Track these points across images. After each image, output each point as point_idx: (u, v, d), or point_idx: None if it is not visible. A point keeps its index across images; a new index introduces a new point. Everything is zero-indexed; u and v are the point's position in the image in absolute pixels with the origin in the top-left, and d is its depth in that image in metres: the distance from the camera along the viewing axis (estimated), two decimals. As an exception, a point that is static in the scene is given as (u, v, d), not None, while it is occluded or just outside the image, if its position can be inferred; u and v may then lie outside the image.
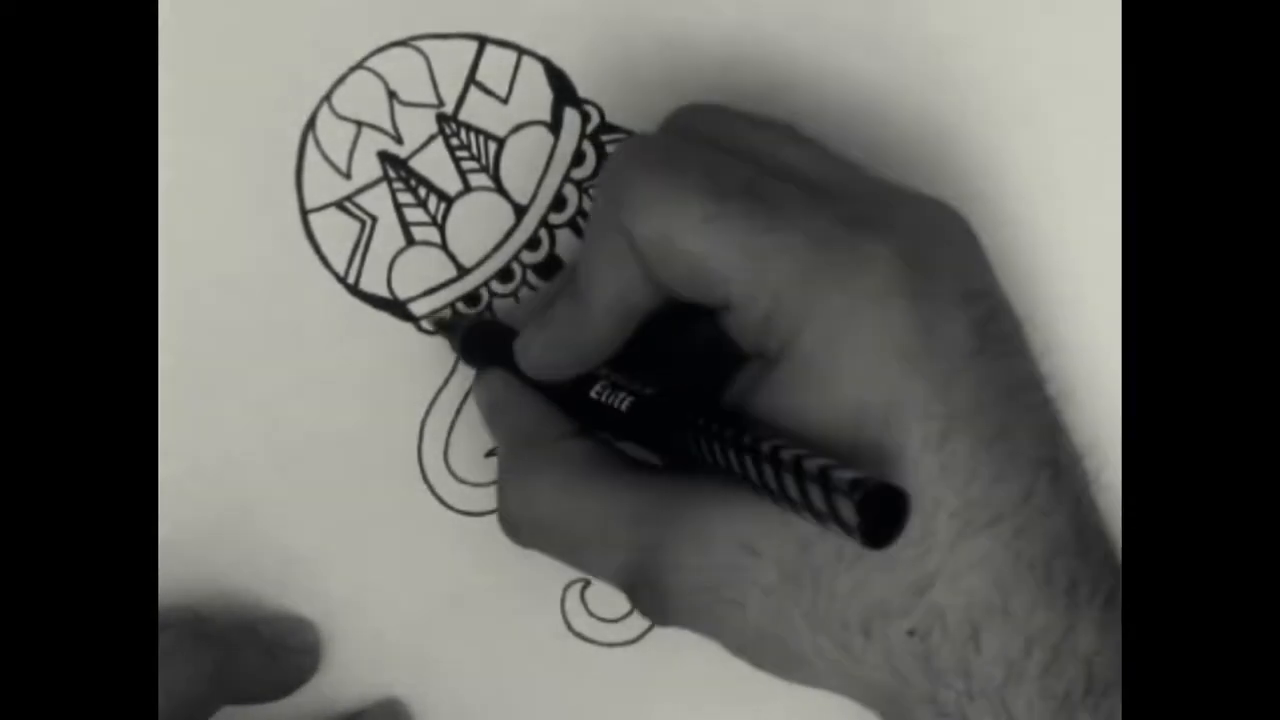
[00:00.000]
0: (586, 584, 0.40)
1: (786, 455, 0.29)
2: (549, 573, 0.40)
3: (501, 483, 0.37)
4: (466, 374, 0.40)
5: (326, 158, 0.39)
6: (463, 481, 0.40)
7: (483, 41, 0.39)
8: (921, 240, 0.33)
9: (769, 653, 0.34)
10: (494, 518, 0.39)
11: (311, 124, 0.39)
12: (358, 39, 0.39)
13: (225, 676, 0.36)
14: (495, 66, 0.39)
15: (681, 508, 0.33)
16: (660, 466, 0.36)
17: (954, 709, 0.33)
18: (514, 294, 0.40)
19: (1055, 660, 0.32)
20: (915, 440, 0.32)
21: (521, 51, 0.39)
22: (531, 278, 0.40)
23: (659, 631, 0.40)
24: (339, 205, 0.39)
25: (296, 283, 0.39)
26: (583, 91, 0.39)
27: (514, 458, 0.37)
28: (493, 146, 0.39)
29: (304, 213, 0.39)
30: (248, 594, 0.39)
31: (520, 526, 0.36)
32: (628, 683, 0.40)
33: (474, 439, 0.40)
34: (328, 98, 0.39)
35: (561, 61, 0.39)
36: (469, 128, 0.39)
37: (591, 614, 0.40)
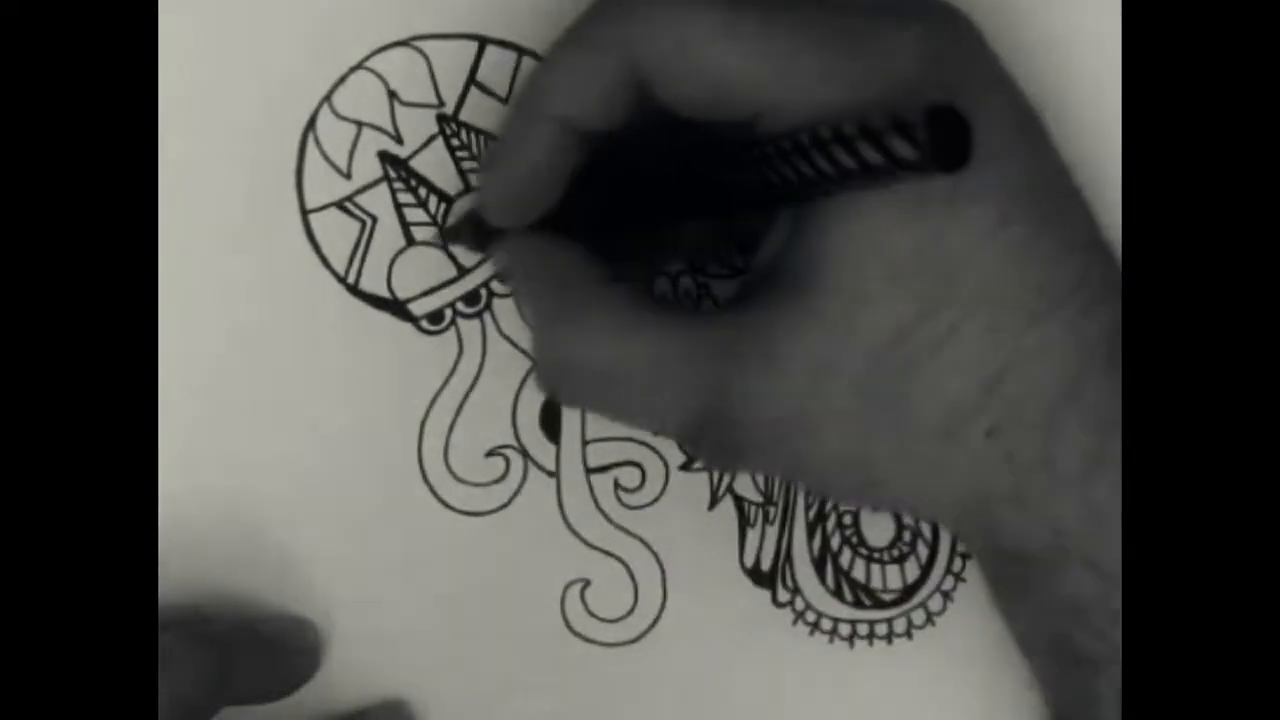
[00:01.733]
0: (586, 584, 0.40)
1: (849, 128, 0.27)
2: (549, 573, 0.40)
3: (540, 338, 0.35)
4: (467, 374, 0.40)
5: (327, 158, 0.39)
6: (463, 481, 0.40)
7: (483, 42, 0.39)
8: (943, 31, 0.32)
9: (850, 477, 0.33)
10: (494, 517, 0.40)
11: (312, 124, 0.39)
12: (358, 39, 0.39)
13: (225, 677, 0.36)
14: (496, 67, 0.39)
15: (746, 337, 0.32)
16: (710, 309, 0.34)
17: (1037, 505, 0.32)
18: (514, 293, 0.40)
19: None
20: (976, 223, 0.31)
21: (522, 52, 0.39)
22: (531, 278, 0.40)
23: (659, 631, 0.40)
24: (339, 205, 0.39)
25: (296, 283, 0.39)
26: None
27: (551, 309, 0.34)
28: (493, 146, 0.39)
29: (304, 213, 0.39)
30: (248, 594, 0.39)
31: (564, 382, 0.34)
32: (628, 683, 0.40)
33: (474, 439, 0.40)
34: (328, 98, 0.39)
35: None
36: (469, 128, 0.39)
37: (591, 614, 0.40)
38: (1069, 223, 0.33)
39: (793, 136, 0.29)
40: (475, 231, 0.38)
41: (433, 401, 0.40)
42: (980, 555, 0.35)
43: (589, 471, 0.40)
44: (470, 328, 0.40)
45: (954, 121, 0.26)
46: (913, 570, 0.40)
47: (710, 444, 0.34)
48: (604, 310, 0.33)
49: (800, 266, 0.32)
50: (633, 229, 0.36)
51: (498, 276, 0.40)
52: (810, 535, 0.40)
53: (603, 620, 0.40)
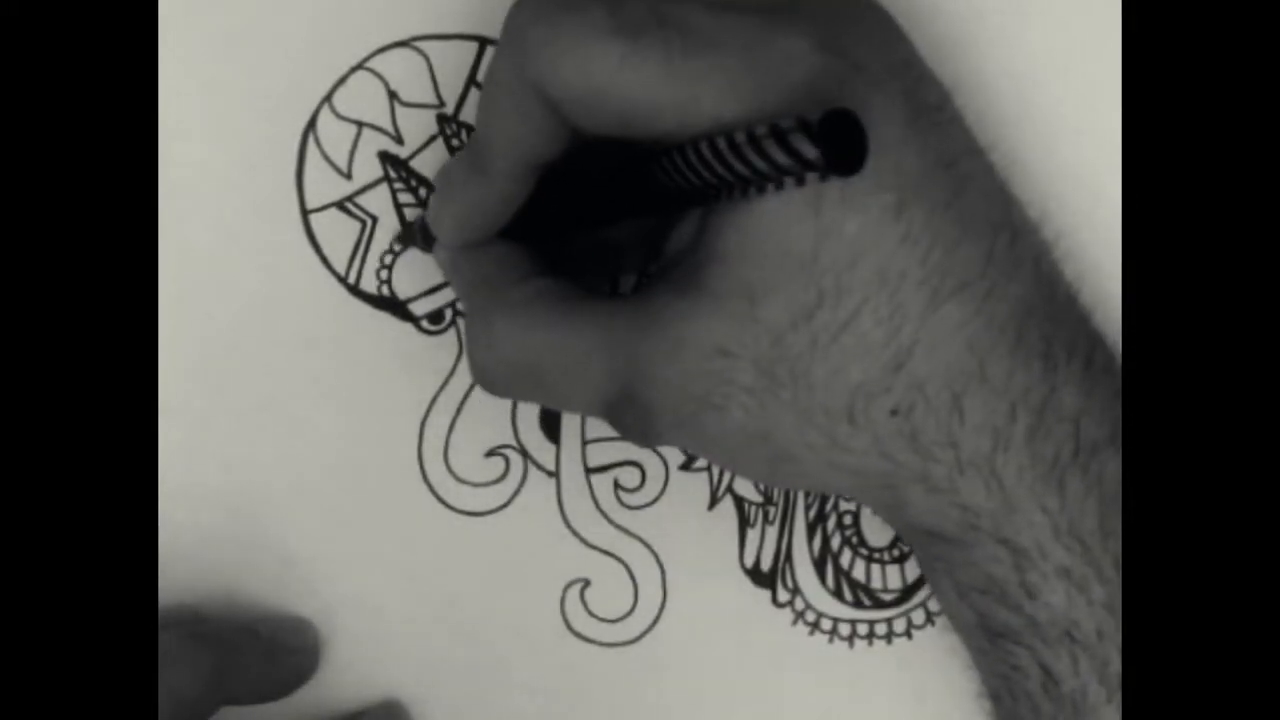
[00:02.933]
0: (586, 584, 0.40)
1: (739, 137, 0.29)
2: (549, 573, 0.40)
3: (468, 334, 0.36)
4: (467, 374, 0.40)
5: (327, 158, 0.39)
6: (463, 481, 0.40)
7: (483, 42, 0.39)
8: (837, 25, 0.32)
9: (756, 455, 0.34)
10: (494, 517, 0.40)
11: (312, 124, 0.39)
12: (358, 39, 0.39)
13: (224, 677, 0.36)
14: (495, 67, 0.39)
15: (651, 324, 0.33)
16: (621, 296, 0.35)
17: (945, 484, 0.33)
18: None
19: (1041, 423, 0.33)
20: (873, 212, 0.32)
21: (522, 52, 0.39)
22: (531, 278, 0.40)
23: (659, 631, 0.40)
24: (339, 205, 0.39)
25: (296, 283, 0.39)
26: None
27: (476, 305, 0.36)
28: (493, 147, 0.39)
29: (304, 213, 0.39)
30: (247, 594, 0.39)
31: (492, 374, 0.36)
32: (628, 683, 0.40)
33: (474, 439, 0.40)
34: (328, 98, 0.39)
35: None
36: (470, 128, 0.39)
37: (591, 614, 0.40)
38: (972, 205, 0.33)
39: (694, 147, 0.30)
40: (424, 236, 0.38)
41: (433, 401, 0.40)
42: (901, 532, 0.36)
43: (589, 471, 0.40)
44: (470, 328, 0.40)
45: (848, 126, 0.27)
46: (913, 570, 0.40)
47: (627, 424, 0.35)
48: (521, 308, 0.35)
49: (702, 260, 0.33)
50: (566, 232, 0.37)
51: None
52: (810, 535, 0.40)
53: (603, 620, 0.40)
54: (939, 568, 0.35)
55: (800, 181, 0.28)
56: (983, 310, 0.32)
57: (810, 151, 0.27)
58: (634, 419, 0.34)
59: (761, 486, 0.40)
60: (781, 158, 0.28)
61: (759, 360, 0.32)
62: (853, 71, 0.32)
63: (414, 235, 0.39)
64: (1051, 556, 0.33)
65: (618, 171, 0.34)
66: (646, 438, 0.35)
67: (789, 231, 0.32)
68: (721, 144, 0.29)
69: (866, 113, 0.28)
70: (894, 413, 0.33)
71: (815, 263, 0.32)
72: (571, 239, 0.37)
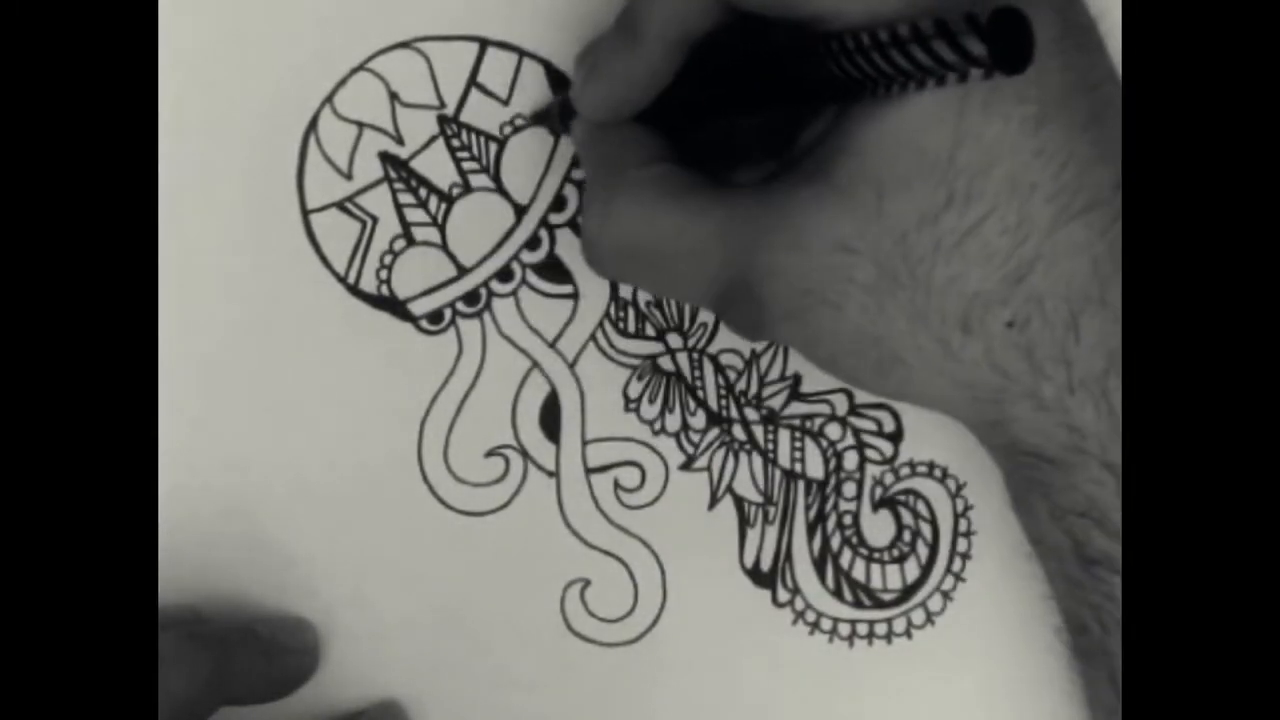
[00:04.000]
0: (586, 584, 0.40)
1: (903, 30, 0.28)
2: (549, 573, 0.40)
3: (586, 212, 0.36)
4: (466, 374, 0.40)
5: (328, 158, 0.39)
6: (463, 481, 0.40)
7: (484, 43, 0.39)
8: None
9: (866, 356, 0.34)
10: (494, 517, 0.40)
11: (313, 125, 0.39)
12: (360, 40, 0.39)
13: (222, 678, 0.36)
14: (496, 68, 0.39)
15: (774, 214, 0.33)
16: (746, 185, 0.35)
17: (1054, 402, 0.33)
18: (514, 293, 0.40)
19: None
20: (1013, 123, 0.31)
21: (522, 53, 0.39)
22: (531, 277, 0.40)
23: (659, 631, 0.40)
24: (340, 206, 0.39)
25: (296, 283, 0.39)
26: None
27: (599, 183, 0.36)
28: (493, 147, 0.40)
29: (305, 213, 0.39)
30: (247, 594, 0.39)
31: (605, 253, 0.35)
32: (628, 683, 0.40)
33: (474, 439, 0.40)
34: (329, 99, 0.39)
35: (562, 63, 0.39)
36: (470, 129, 0.39)
37: (591, 614, 0.40)
38: (1109, 130, 0.33)
39: (854, 36, 0.30)
40: (562, 116, 0.38)
41: (432, 401, 0.40)
42: (997, 453, 0.36)
43: (589, 471, 0.40)
44: (470, 328, 0.40)
45: (1015, 24, 0.27)
46: (913, 570, 0.40)
47: (737, 315, 0.34)
48: (643, 189, 0.34)
49: (833, 153, 0.33)
50: (699, 119, 0.37)
51: (496, 277, 0.40)
52: (810, 535, 0.40)
53: (603, 620, 0.40)
54: (1035, 490, 0.34)
55: (962, 78, 0.28)
56: (1108, 233, 0.32)
57: (977, 49, 0.27)
58: (745, 310, 0.34)
59: (761, 486, 0.40)
60: (947, 54, 0.27)
61: (880, 259, 0.32)
62: None
63: (550, 115, 0.39)
64: None
65: (761, 59, 0.34)
66: (756, 331, 0.34)
67: (928, 130, 0.31)
68: (883, 35, 0.29)
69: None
70: (1010, 324, 0.32)
71: (950, 164, 0.31)
72: (700, 127, 0.37)
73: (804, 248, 0.33)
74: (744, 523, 0.40)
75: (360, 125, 0.39)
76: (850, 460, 0.41)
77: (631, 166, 0.35)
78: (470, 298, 0.40)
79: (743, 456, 0.40)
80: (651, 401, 0.40)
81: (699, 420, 0.40)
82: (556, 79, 0.39)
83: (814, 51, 0.31)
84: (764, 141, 0.38)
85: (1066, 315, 0.32)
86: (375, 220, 0.39)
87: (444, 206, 0.40)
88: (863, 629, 0.40)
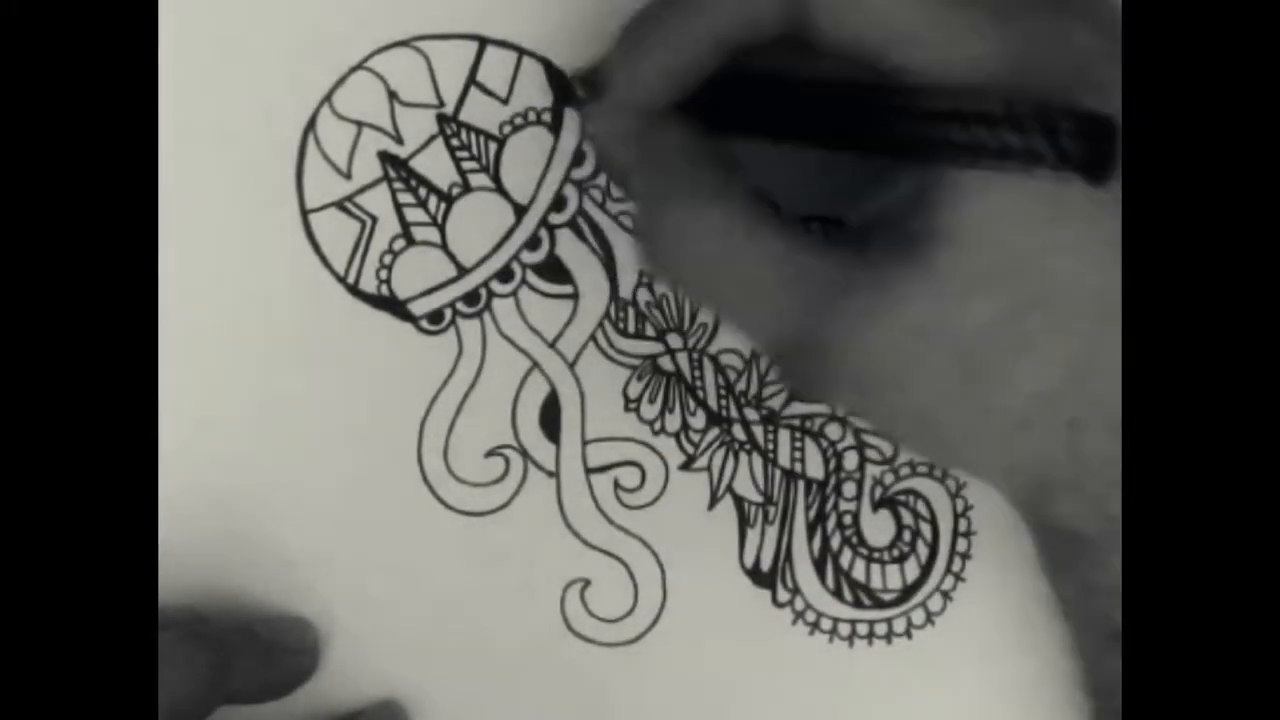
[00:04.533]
0: (586, 584, 0.40)
1: (995, 107, 0.28)
2: (549, 573, 0.40)
3: (658, 212, 0.34)
4: (466, 374, 0.40)
5: (327, 158, 0.39)
6: (463, 481, 0.40)
7: (483, 42, 0.39)
8: (1101, 33, 0.32)
9: (924, 435, 0.34)
10: (494, 517, 0.40)
11: (312, 124, 0.39)
12: (358, 39, 0.39)
13: (222, 678, 0.36)
14: (496, 67, 0.39)
15: (855, 280, 0.33)
16: (831, 239, 0.34)
17: (1097, 494, 0.33)
18: (514, 293, 0.40)
19: None
20: (1103, 238, 0.31)
21: (522, 52, 0.39)
22: (531, 277, 0.40)
23: (659, 631, 0.40)
24: (339, 205, 0.39)
25: (297, 283, 0.39)
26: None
27: (679, 189, 0.34)
28: (493, 146, 0.40)
29: (304, 213, 0.39)
30: (247, 594, 0.39)
31: (677, 261, 0.34)
32: (628, 683, 0.40)
33: (474, 439, 0.40)
34: (328, 98, 0.39)
35: (562, 62, 0.39)
36: (469, 128, 0.39)
37: (591, 614, 0.40)
38: None
39: (945, 99, 0.29)
40: (587, 86, 0.38)
41: (432, 401, 0.40)
42: (1032, 525, 0.36)
43: (589, 471, 0.40)
44: (470, 328, 0.40)
45: (1106, 132, 0.27)
46: (913, 570, 0.40)
47: (798, 370, 0.34)
48: (732, 208, 0.34)
49: (927, 232, 0.32)
50: (752, 138, 0.36)
51: (496, 277, 0.40)
52: (810, 535, 0.40)
53: (603, 620, 0.40)
54: (1067, 564, 0.35)
55: (1036, 174, 0.27)
56: None
57: (1071, 146, 0.26)
58: (806, 368, 0.33)
59: (760, 486, 0.40)
60: (1040, 144, 0.27)
61: (957, 349, 0.32)
62: (1106, 78, 0.31)
63: (593, 82, 0.37)
64: None
65: (849, 99, 0.33)
66: (811, 388, 0.34)
67: (1024, 231, 0.31)
68: (968, 108, 0.28)
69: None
70: (1070, 425, 0.32)
71: (1039, 270, 0.31)
72: (774, 152, 0.35)
73: (882, 325, 0.32)
74: (744, 523, 0.40)
75: (359, 124, 0.39)
76: (850, 460, 0.41)
77: (713, 180, 0.34)
78: (470, 298, 0.40)
79: (743, 456, 0.40)
80: (651, 401, 0.40)
81: (699, 420, 0.40)
82: (556, 77, 0.39)
83: (890, 104, 0.30)
84: (839, 185, 0.37)
85: (1121, 418, 0.32)
86: (375, 220, 0.39)
87: (444, 206, 0.40)
88: (863, 629, 0.40)
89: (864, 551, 0.40)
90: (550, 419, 0.40)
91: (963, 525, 0.41)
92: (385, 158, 0.39)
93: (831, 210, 0.39)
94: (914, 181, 0.33)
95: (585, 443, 0.40)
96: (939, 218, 0.32)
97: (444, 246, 0.40)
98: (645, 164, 0.36)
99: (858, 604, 0.40)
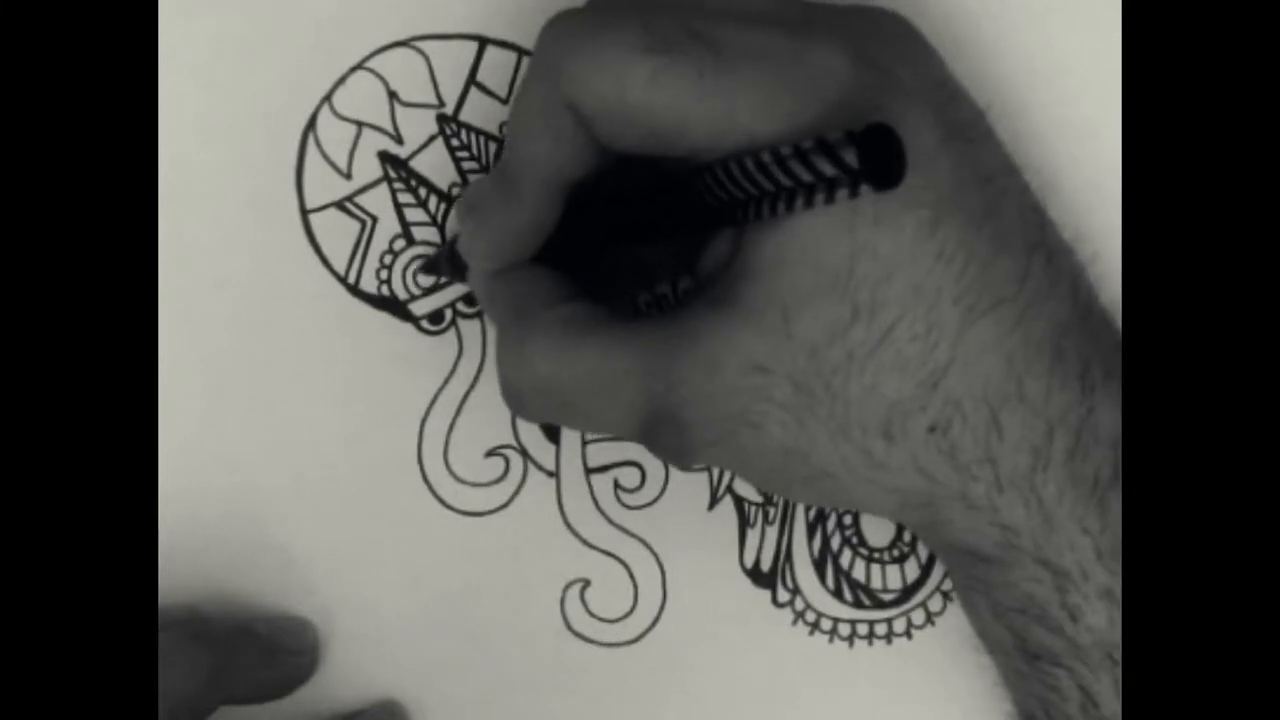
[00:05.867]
0: (586, 584, 0.40)
1: (784, 149, 0.29)
2: (549, 573, 0.40)
3: (500, 357, 0.36)
4: (466, 374, 0.40)
5: (327, 158, 0.39)
6: (463, 481, 0.40)
7: (483, 42, 0.39)
8: (871, 40, 0.33)
9: (794, 474, 0.34)
10: (494, 517, 0.40)
11: (312, 124, 0.39)
12: (358, 39, 0.39)
13: (222, 677, 0.36)
14: (496, 67, 0.39)
15: (685, 341, 0.33)
16: (654, 316, 0.35)
17: (984, 501, 0.33)
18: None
19: (1079, 444, 0.33)
20: (907, 230, 0.32)
21: (522, 52, 0.39)
22: (531, 278, 0.40)
23: (659, 631, 0.40)
24: (339, 205, 0.39)
25: (296, 283, 0.39)
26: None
27: (508, 329, 0.36)
28: (493, 147, 0.40)
29: (304, 213, 0.39)
30: (247, 594, 0.39)
31: (523, 396, 0.35)
32: (628, 683, 0.40)
33: (474, 439, 0.40)
34: (328, 98, 0.39)
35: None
36: (469, 128, 0.39)
37: (591, 614, 0.40)
38: (1007, 222, 0.33)
39: (735, 161, 0.30)
40: (451, 263, 0.38)
41: (433, 401, 0.40)
42: (938, 552, 0.36)
43: (589, 471, 0.40)
44: (470, 328, 0.40)
45: (887, 140, 0.28)
46: (912, 570, 0.40)
47: (663, 444, 0.35)
48: (553, 330, 0.34)
49: (736, 277, 0.33)
50: (598, 255, 0.37)
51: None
52: (810, 535, 0.40)
53: (603, 620, 0.40)
54: (976, 588, 0.35)
55: (852, 193, 0.28)
56: (1019, 328, 0.32)
57: (855, 163, 0.27)
58: (670, 439, 0.34)
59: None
60: (828, 169, 0.28)
61: (795, 376, 0.32)
62: (887, 86, 0.32)
63: (440, 264, 0.39)
64: (1094, 578, 0.33)
65: (647, 191, 0.34)
66: (683, 457, 0.35)
67: (823, 247, 0.32)
68: (766, 157, 0.29)
69: (901, 128, 0.28)
70: (931, 429, 0.33)
71: (850, 278, 0.32)
72: (600, 258, 0.37)
73: (719, 372, 0.33)
74: (744, 523, 0.40)
75: (359, 124, 0.39)
76: (850, 460, 0.41)
77: (538, 308, 0.35)
78: (471, 298, 0.40)
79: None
80: (651, 401, 0.40)
81: (699, 420, 0.40)
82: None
83: (698, 180, 0.32)
84: (663, 266, 0.38)
85: (987, 415, 0.32)
86: (375, 220, 0.39)
87: (444, 206, 0.40)
88: (863, 629, 0.40)
89: (864, 552, 0.40)
90: (550, 419, 0.40)
91: (963, 525, 0.41)
92: (385, 158, 0.39)
93: (658, 288, 0.39)
94: (725, 247, 0.34)
95: (585, 443, 0.40)
96: (747, 261, 0.33)
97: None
98: (491, 315, 0.37)
99: (858, 604, 0.40)
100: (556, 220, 0.35)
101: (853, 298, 0.32)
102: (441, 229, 0.40)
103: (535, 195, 0.34)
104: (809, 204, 0.29)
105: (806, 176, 0.28)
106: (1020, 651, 0.34)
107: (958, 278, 0.32)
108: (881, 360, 0.32)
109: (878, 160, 0.27)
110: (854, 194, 0.28)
